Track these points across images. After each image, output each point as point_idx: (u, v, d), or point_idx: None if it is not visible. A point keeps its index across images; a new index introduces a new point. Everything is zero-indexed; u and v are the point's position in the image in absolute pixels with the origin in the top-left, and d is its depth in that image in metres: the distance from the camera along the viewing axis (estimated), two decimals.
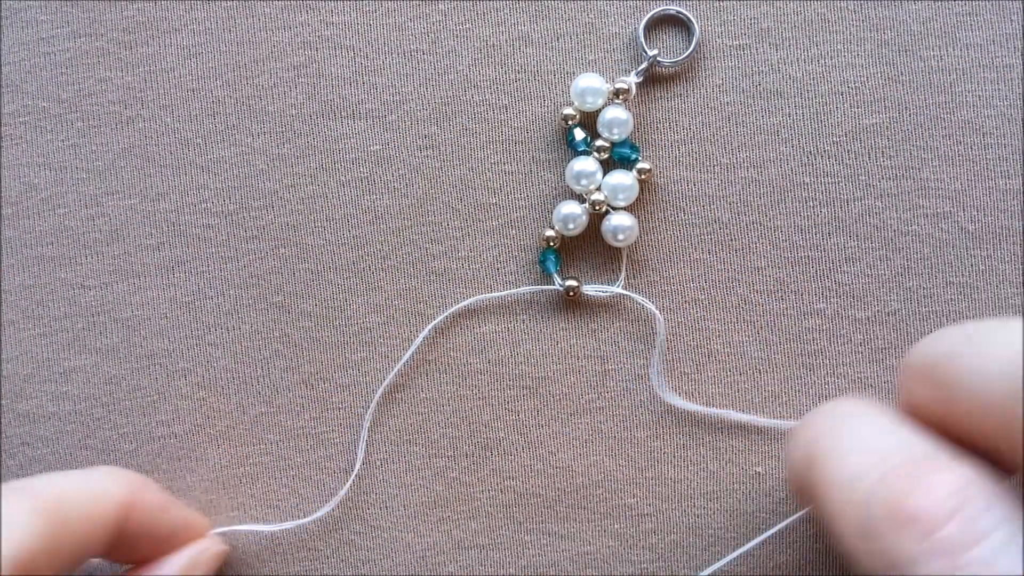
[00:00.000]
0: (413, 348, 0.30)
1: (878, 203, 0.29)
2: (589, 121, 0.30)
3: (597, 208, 0.29)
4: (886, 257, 0.29)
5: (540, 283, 0.30)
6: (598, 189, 0.29)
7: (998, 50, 0.29)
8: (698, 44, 0.29)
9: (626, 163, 0.29)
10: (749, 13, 0.30)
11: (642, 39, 0.29)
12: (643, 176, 0.29)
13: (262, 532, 0.30)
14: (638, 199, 0.29)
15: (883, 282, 0.29)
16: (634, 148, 0.29)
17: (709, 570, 0.29)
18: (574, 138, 0.29)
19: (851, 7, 0.29)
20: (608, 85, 0.29)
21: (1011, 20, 0.29)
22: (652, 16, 0.29)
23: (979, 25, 0.29)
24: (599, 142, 0.29)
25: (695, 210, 0.30)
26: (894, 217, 0.29)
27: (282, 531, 0.30)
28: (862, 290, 0.29)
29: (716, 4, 0.30)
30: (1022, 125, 0.29)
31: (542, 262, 0.29)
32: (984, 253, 0.29)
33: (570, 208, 0.29)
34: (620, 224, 0.29)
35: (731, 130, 0.30)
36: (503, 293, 0.30)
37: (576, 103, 0.29)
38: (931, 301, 0.29)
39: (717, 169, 0.30)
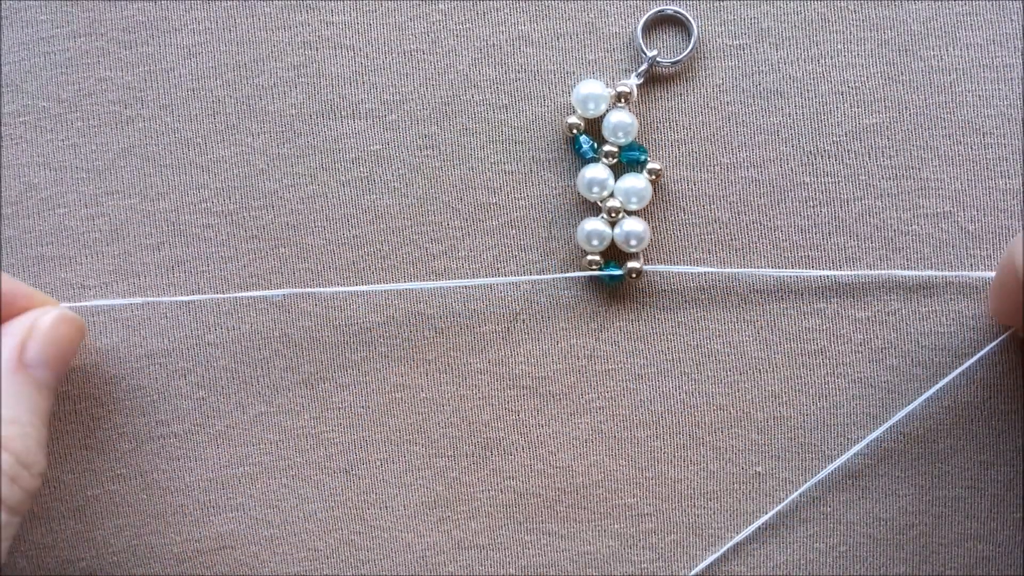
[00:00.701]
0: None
1: (878, 203, 0.29)
2: (592, 128, 0.30)
3: (614, 216, 0.29)
4: (886, 257, 0.29)
5: (552, 289, 0.30)
6: (611, 195, 0.29)
7: (998, 50, 0.29)
8: (697, 44, 0.29)
9: (635, 165, 0.29)
10: (749, 13, 0.30)
11: (640, 40, 0.29)
12: (654, 177, 0.29)
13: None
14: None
15: (883, 282, 0.29)
16: (642, 150, 0.29)
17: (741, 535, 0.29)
18: (581, 146, 0.29)
19: (851, 7, 0.29)
20: (609, 90, 0.29)
21: (1011, 20, 0.29)
22: (650, 17, 0.29)
23: (979, 25, 0.29)
24: (606, 147, 0.29)
25: (695, 210, 0.30)
26: (894, 217, 0.29)
27: (283, 532, 0.30)
28: (862, 290, 0.29)
29: (716, 4, 0.30)
30: (1022, 125, 0.29)
31: (610, 281, 0.29)
32: (984, 253, 0.29)
33: (593, 225, 0.29)
34: (632, 230, 0.29)
35: (731, 130, 0.30)
36: (573, 274, 0.30)
37: (579, 110, 0.29)
38: (931, 301, 0.29)
39: (717, 169, 0.30)
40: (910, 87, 0.29)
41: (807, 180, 0.29)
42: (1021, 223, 0.29)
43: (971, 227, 0.29)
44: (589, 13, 0.30)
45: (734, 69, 0.30)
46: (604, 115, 0.29)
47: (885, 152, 0.29)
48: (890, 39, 0.29)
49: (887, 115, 0.29)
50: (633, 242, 0.29)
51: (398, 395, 0.30)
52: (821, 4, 0.30)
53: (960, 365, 0.29)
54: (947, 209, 0.29)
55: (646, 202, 0.29)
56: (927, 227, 0.29)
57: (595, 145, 0.29)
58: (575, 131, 0.29)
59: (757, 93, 0.30)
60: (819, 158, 0.29)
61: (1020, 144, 0.29)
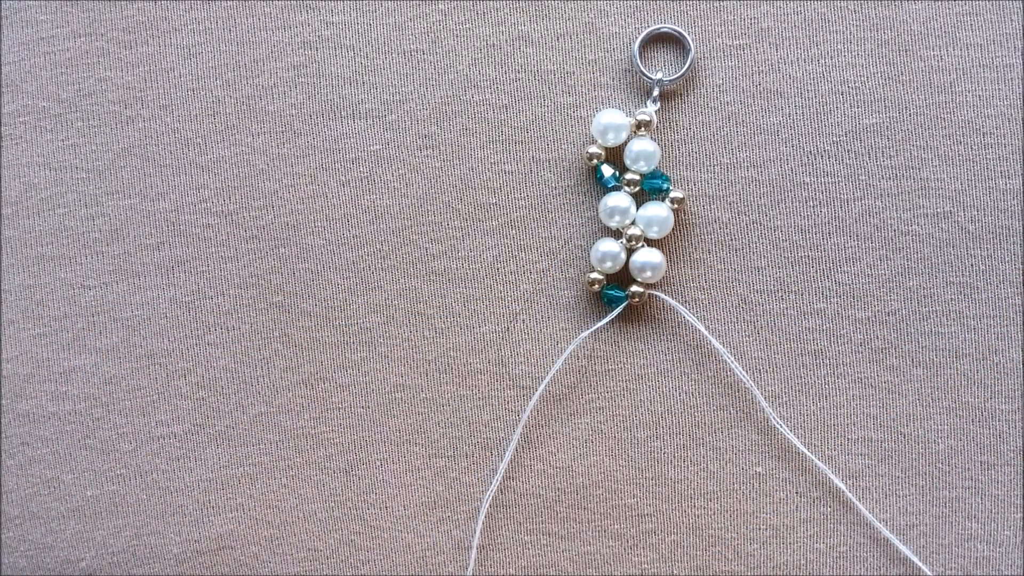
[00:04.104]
0: (559, 362, 0.30)
1: (878, 203, 0.29)
2: (611, 154, 0.30)
3: (633, 243, 0.29)
4: (886, 257, 0.29)
5: (552, 289, 0.30)
6: (632, 223, 0.29)
7: (998, 50, 0.29)
8: (693, 61, 0.29)
9: (657, 194, 0.29)
10: (749, 13, 0.30)
11: (638, 60, 0.29)
12: (676, 206, 0.29)
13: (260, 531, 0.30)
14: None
15: (883, 282, 0.29)
16: (664, 178, 0.29)
17: None
18: (603, 175, 0.29)
19: (851, 7, 0.29)
20: (629, 119, 0.29)
21: (1011, 20, 0.29)
22: (645, 37, 0.29)
23: (979, 25, 0.29)
24: (628, 175, 0.29)
25: (695, 210, 0.30)
26: (894, 217, 0.29)
27: (283, 532, 0.30)
28: (862, 290, 0.29)
29: (715, 4, 0.30)
30: (1022, 125, 0.29)
31: (608, 302, 0.29)
32: (984, 253, 0.29)
33: (608, 246, 0.29)
34: (648, 261, 0.29)
35: (731, 130, 0.30)
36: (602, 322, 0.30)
37: (599, 140, 0.29)
38: (931, 301, 0.29)
39: (717, 169, 0.30)
40: (910, 87, 0.29)
41: (807, 180, 0.30)
42: (1021, 223, 0.29)
43: (971, 227, 0.29)
44: (589, 13, 0.30)
45: (734, 69, 0.30)
46: (625, 143, 0.29)
47: (885, 152, 0.29)
48: (890, 39, 0.29)
49: (887, 115, 0.29)
50: (648, 273, 0.29)
51: (398, 395, 0.30)
52: (821, 4, 0.30)
53: (959, 365, 0.29)
54: (947, 209, 0.29)
55: (667, 231, 0.29)
56: (927, 227, 0.29)
57: (617, 174, 0.29)
58: (595, 161, 0.29)
59: (757, 93, 0.30)
60: (819, 158, 0.29)
61: (1020, 144, 0.29)
